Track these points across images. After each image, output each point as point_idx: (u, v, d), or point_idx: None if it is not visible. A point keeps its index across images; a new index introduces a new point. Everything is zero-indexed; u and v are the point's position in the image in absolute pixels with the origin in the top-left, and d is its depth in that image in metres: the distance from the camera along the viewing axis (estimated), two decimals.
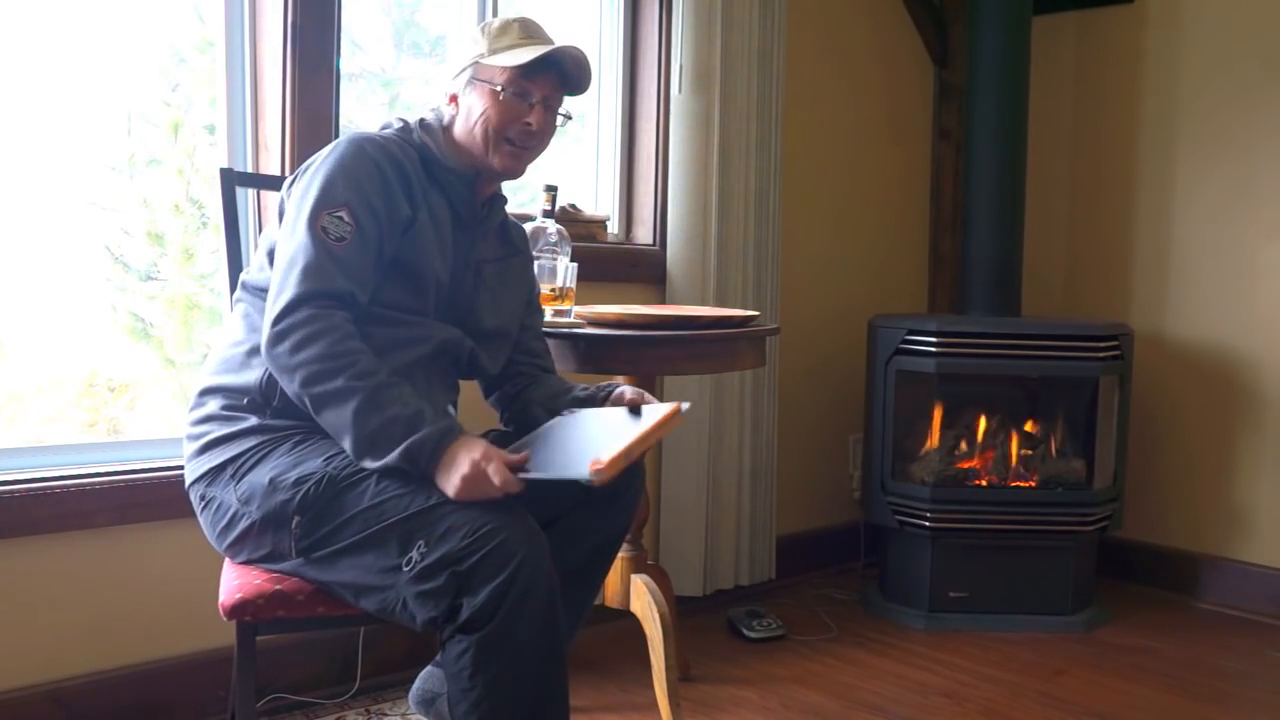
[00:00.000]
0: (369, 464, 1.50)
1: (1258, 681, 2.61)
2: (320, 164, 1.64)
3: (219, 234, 1.97)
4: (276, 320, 1.53)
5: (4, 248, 2.09)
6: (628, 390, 1.78)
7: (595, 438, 1.57)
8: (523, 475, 1.49)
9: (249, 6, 2.25)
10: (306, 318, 1.52)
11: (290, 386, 1.53)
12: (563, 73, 1.75)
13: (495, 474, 1.46)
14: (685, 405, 1.60)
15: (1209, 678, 2.62)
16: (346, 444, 1.51)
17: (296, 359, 1.51)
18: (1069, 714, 2.38)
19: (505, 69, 1.71)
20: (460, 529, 1.45)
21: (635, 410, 1.65)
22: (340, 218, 1.58)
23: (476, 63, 1.73)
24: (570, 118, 1.82)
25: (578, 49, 1.74)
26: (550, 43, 1.75)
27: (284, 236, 1.62)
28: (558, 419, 1.69)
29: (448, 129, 1.76)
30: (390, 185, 1.64)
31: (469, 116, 1.73)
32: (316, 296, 1.54)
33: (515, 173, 1.77)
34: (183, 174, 2.29)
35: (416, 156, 1.71)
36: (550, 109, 1.76)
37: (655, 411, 1.61)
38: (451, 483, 1.47)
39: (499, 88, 1.71)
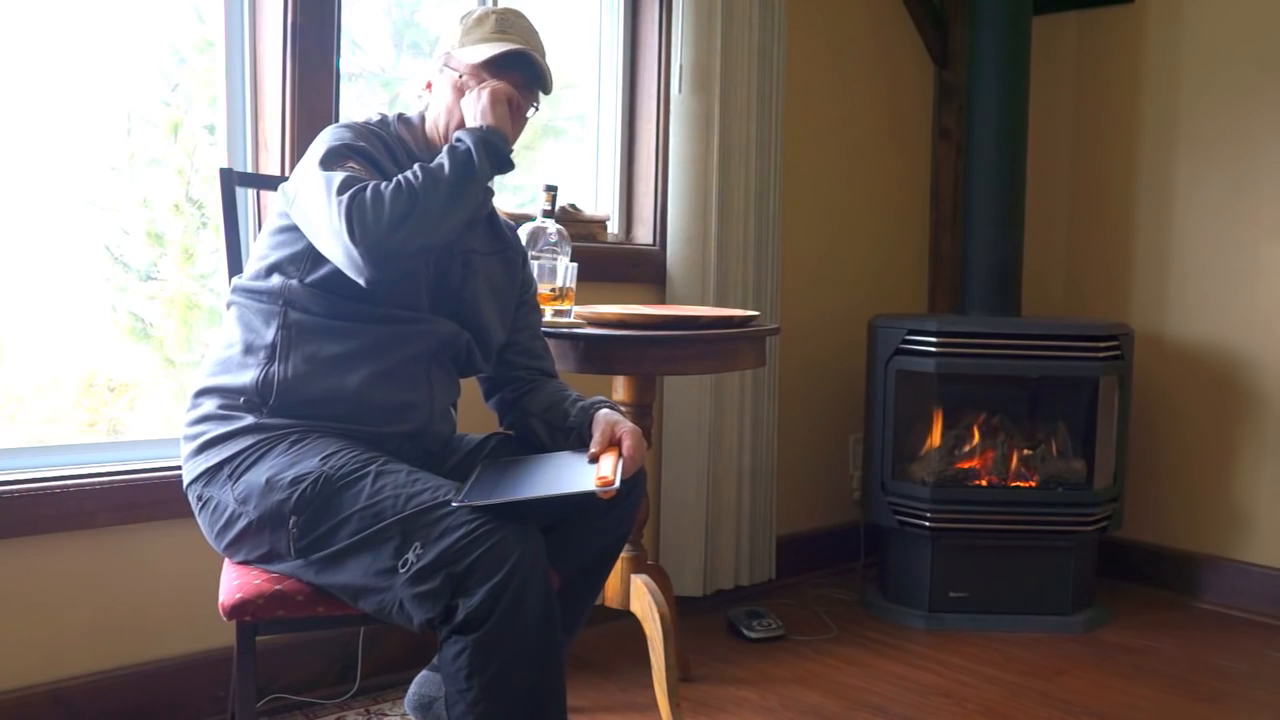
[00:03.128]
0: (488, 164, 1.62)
1: (1258, 681, 2.61)
2: (311, 150, 1.64)
3: (219, 234, 1.97)
4: (348, 222, 1.49)
5: (4, 248, 2.09)
6: (604, 417, 1.69)
7: (569, 465, 1.59)
8: (529, 496, 1.48)
9: (249, 6, 2.25)
10: (356, 201, 1.50)
11: (413, 244, 1.52)
12: (531, 69, 1.74)
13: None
14: (615, 486, 1.53)
15: (1209, 678, 2.62)
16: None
17: (382, 227, 1.49)
18: (1069, 714, 2.38)
19: (469, 64, 1.72)
20: (456, 529, 1.44)
21: (593, 459, 1.61)
22: (352, 168, 1.59)
23: (448, 53, 1.75)
24: (537, 109, 1.80)
25: (537, 54, 1.74)
26: (524, 41, 1.74)
27: (300, 206, 1.60)
28: (519, 460, 1.67)
29: (424, 118, 1.78)
30: (379, 155, 1.67)
31: (434, 106, 1.76)
32: (352, 184, 1.52)
33: None
34: (183, 174, 2.29)
35: (394, 148, 1.73)
36: (516, 107, 1.73)
37: (606, 464, 1.58)
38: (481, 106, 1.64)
39: (460, 78, 1.72)
